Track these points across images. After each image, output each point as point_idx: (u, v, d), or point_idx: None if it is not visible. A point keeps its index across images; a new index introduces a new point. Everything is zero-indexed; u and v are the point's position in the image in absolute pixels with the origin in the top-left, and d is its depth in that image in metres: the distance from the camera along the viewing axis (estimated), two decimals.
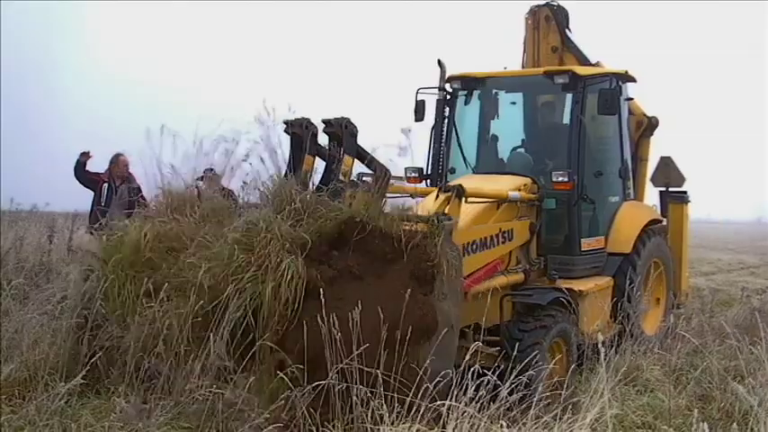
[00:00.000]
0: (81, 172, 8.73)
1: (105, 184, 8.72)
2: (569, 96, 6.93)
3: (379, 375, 3.95)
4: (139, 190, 8.41)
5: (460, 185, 5.17)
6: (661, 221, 8.07)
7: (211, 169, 5.67)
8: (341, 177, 5.17)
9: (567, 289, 5.87)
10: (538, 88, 7.44)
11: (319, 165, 5.43)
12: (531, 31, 8.13)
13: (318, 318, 4.05)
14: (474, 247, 5.41)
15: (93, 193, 8.77)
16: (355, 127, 5.26)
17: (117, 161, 8.78)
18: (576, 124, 6.73)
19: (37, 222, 10.85)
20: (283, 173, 5.10)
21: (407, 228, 4.52)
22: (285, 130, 5.30)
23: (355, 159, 5.30)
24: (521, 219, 6.11)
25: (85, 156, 8.67)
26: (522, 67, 8.19)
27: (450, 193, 5.09)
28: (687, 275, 8.91)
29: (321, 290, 4.19)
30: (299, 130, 5.22)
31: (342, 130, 5.21)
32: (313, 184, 5.19)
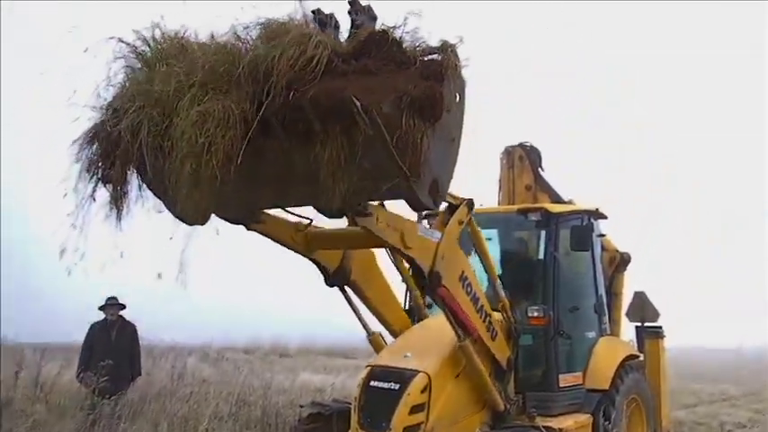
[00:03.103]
0: None
1: None
2: (543, 233, 7.15)
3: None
4: None
5: (471, 200, 5.76)
6: (638, 357, 8.10)
7: None
8: None
9: (545, 427, 5.86)
10: (512, 225, 7.67)
11: None
12: (505, 170, 8.53)
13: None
14: (468, 287, 5.59)
15: None
16: (375, 12, 5.39)
17: None
18: (551, 260, 6.92)
19: (4, 356, 10.10)
20: None
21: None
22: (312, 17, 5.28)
23: None
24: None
25: None
26: (498, 204, 8.50)
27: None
28: (668, 411, 8.85)
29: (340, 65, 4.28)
30: (324, 17, 5.36)
31: (364, 11, 5.24)
32: None
